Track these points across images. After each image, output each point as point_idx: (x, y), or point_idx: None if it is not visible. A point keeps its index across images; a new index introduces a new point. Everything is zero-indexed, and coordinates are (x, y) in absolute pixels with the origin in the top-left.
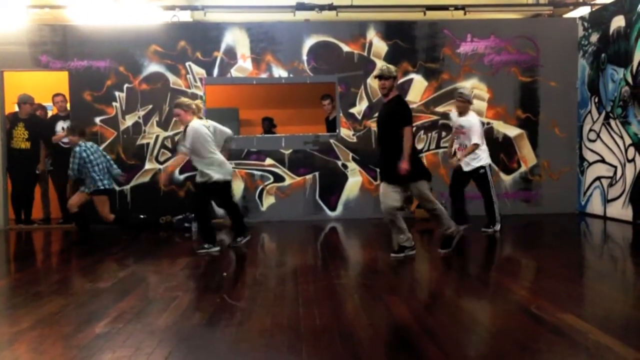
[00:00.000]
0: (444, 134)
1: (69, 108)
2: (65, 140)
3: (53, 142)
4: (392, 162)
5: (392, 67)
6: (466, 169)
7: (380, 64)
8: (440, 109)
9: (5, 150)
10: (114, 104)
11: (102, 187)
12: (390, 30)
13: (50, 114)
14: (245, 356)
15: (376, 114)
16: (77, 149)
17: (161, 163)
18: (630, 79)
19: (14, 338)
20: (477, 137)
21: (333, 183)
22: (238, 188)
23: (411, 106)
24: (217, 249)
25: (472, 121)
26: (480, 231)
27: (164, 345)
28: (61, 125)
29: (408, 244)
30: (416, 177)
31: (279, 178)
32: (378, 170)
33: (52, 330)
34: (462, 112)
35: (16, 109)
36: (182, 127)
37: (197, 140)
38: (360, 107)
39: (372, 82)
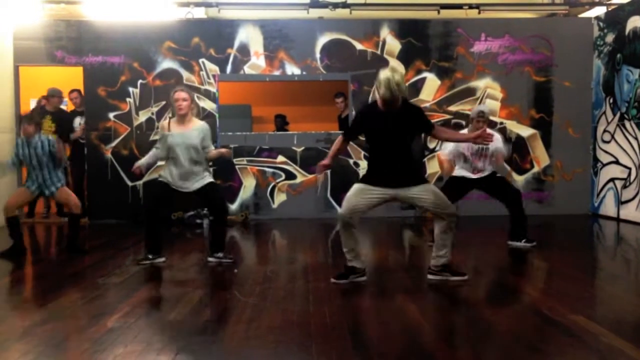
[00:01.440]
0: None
1: (83, 103)
2: (83, 136)
3: (71, 139)
4: (408, 166)
5: (397, 79)
6: (483, 174)
7: (384, 78)
8: (453, 108)
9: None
10: (127, 99)
11: None
12: (403, 29)
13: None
14: (255, 353)
15: None
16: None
17: None
18: None
19: (26, 331)
20: (503, 152)
21: (344, 181)
22: (250, 185)
23: (424, 105)
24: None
25: (498, 139)
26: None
27: (174, 340)
28: (78, 122)
29: (358, 264)
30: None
31: (290, 175)
32: (373, 175)
33: (64, 324)
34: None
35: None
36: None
37: None
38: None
39: None
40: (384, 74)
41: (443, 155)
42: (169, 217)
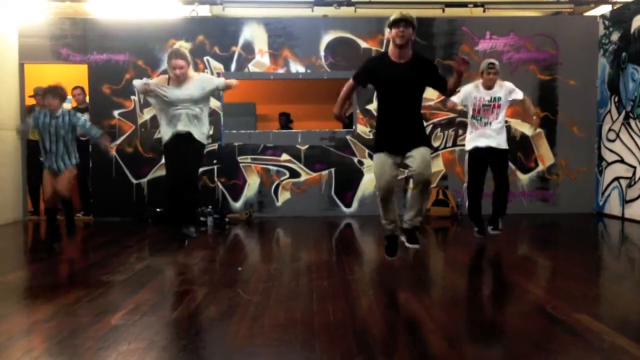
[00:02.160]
0: (460, 131)
1: (87, 101)
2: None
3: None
4: (418, 125)
5: (412, 14)
6: (503, 146)
7: (398, 12)
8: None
9: (25, 142)
10: (132, 97)
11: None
12: None
13: (68, 106)
14: (259, 351)
15: None
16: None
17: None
18: None
19: (30, 328)
20: (519, 98)
21: (349, 179)
22: (254, 183)
23: (428, 103)
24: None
25: (509, 86)
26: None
27: (178, 338)
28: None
29: (398, 232)
30: (431, 144)
31: (294, 173)
32: (384, 140)
33: (68, 321)
34: (491, 86)
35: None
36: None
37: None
38: (377, 104)
39: None
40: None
41: (451, 98)
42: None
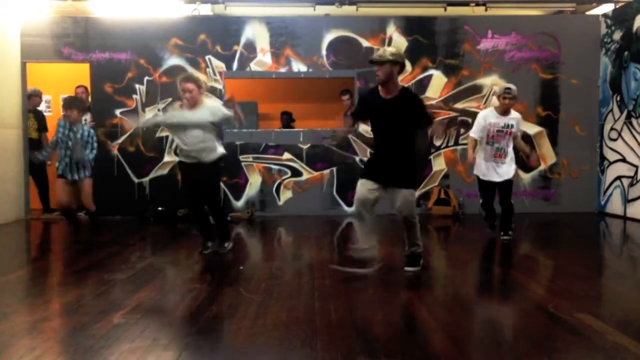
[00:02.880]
0: (462, 130)
1: (90, 100)
2: None
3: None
4: (406, 164)
5: (390, 50)
6: (506, 177)
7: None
8: (459, 105)
9: (27, 141)
10: (134, 96)
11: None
12: (410, 26)
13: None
14: (261, 349)
15: None
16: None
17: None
18: None
19: (32, 327)
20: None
21: (350, 178)
22: (256, 182)
23: (430, 102)
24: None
25: (519, 118)
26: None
27: (180, 336)
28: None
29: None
30: (416, 184)
31: (296, 172)
32: (371, 166)
33: (70, 320)
34: (506, 111)
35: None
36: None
37: None
38: None
39: None
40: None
41: (472, 134)
42: (175, 214)
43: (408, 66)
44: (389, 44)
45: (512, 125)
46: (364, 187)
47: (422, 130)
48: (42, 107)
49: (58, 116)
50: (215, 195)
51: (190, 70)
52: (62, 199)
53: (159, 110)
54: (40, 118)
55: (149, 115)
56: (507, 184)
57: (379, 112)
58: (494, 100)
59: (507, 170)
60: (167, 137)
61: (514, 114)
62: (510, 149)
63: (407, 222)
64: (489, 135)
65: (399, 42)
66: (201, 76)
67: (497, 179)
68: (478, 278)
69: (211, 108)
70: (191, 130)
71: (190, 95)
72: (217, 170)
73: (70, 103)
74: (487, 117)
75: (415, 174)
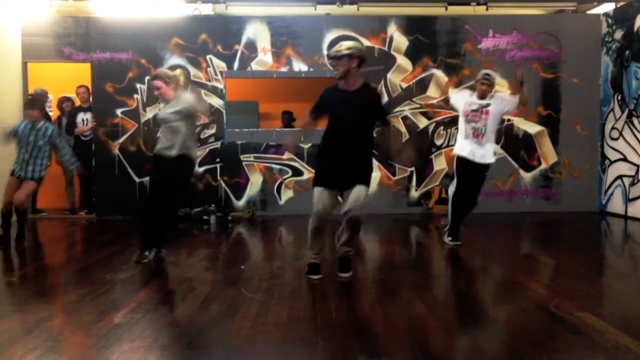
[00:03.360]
0: None
1: (91, 99)
2: (87, 133)
3: (74, 135)
4: (363, 161)
5: (347, 44)
6: (487, 160)
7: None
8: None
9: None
10: (135, 96)
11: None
12: (411, 25)
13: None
14: (261, 349)
15: (396, 110)
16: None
17: None
18: None
19: (34, 326)
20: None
21: None
22: (257, 181)
23: (431, 102)
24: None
25: (502, 97)
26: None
27: (181, 336)
28: (81, 117)
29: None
30: (370, 182)
31: (297, 172)
32: (325, 170)
33: (71, 319)
34: (484, 96)
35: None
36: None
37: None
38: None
39: (392, 77)
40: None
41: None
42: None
43: (409, 65)
44: (390, 44)
45: (488, 104)
46: (323, 198)
47: (383, 126)
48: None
49: (58, 115)
50: (174, 197)
51: (192, 69)
52: (8, 195)
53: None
54: (45, 119)
55: (150, 114)
56: (484, 171)
57: (338, 105)
58: None
59: (485, 153)
60: None
61: (495, 96)
62: (489, 134)
63: (356, 223)
64: (465, 113)
65: (400, 42)
66: (177, 71)
67: (478, 160)
68: (479, 277)
69: (178, 100)
70: (166, 125)
71: (159, 92)
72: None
73: (35, 103)
74: (464, 94)
75: (372, 171)
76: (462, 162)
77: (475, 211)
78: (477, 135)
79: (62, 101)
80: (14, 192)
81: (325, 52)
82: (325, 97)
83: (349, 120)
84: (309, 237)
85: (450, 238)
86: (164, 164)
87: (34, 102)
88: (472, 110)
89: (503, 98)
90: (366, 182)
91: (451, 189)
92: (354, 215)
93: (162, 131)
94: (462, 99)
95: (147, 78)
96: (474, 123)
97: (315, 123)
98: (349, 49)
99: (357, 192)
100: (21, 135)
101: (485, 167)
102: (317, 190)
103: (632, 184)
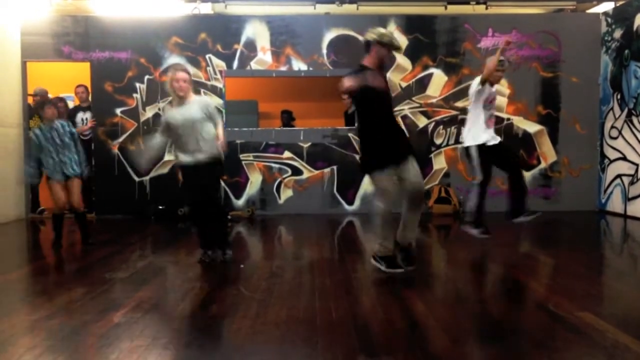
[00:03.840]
0: (463, 129)
1: (90, 99)
2: (86, 132)
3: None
4: (403, 134)
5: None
6: (498, 140)
7: (382, 30)
8: (459, 104)
9: (28, 140)
10: (134, 95)
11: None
12: (410, 24)
13: (71, 104)
14: (261, 348)
15: (395, 109)
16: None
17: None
18: None
19: (33, 325)
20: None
21: (351, 177)
22: (256, 180)
23: (431, 101)
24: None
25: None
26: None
27: (180, 335)
28: (81, 117)
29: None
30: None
31: (297, 171)
32: (383, 156)
33: (71, 319)
34: (494, 83)
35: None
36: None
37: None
38: (363, 121)
39: (392, 77)
40: (374, 31)
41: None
42: (175, 213)
43: (408, 65)
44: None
45: (495, 92)
46: (390, 181)
47: None
48: None
49: None
50: (218, 197)
51: (191, 69)
52: (61, 200)
53: (159, 109)
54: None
55: (150, 114)
56: (502, 146)
57: (377, 88)
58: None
59: (494, 135)
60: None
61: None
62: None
63: (418, 198)
64: (488, 99)
65: (400, 41)
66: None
67: (492, 142)
68: (478, 277)
69: (199, 101)
70: (188, 129)
71: (185, 84)
72: (218, 171)
73: (50, 102)
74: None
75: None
76: (483, 148)
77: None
78: (492, 121)
79: (55, 102)
80: (63, 193)
81: (324, 51)
82: (367, 77)
83: (389, 102)
84: (381, 226)
85: (480, 229)
86: (197, 169)
87: (45, 102)
88: (489, 98)
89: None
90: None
91: (478, 178)
92: (419, 190)
93: (185, 137)
94: (486, 87)
95: (173, 68)
96: (492, 110)
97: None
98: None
99: (414, 166)
100: (44, 141)
101: (500, 144)
102: (382, 175)
103: (632, 183)
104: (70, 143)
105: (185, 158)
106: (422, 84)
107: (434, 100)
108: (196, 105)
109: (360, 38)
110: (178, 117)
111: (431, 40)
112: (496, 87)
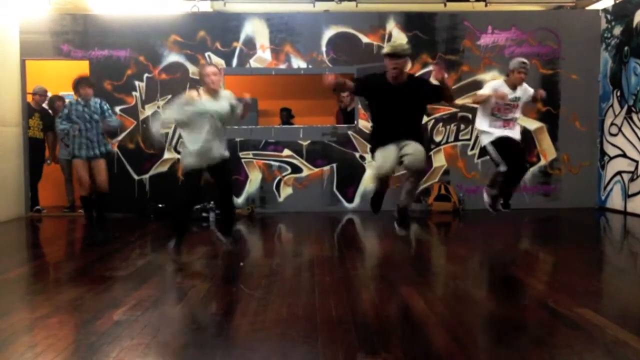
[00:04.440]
0: (462, 126)
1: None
2: None
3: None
4: (415, 129)
5: (405, 42)
6: (518, 137)
7: (392, 40)
8: (459, 101)
9: (27, 139)
10: (133, 93)
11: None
12: (410, 22)
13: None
14: (261, 346)
15: None
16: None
17: (179, 153)
18: None
19: (33, 324)
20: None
21: (350, 175)
22: (256, 178)
23: None
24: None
25: (527, 88)
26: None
27: (180, 333)
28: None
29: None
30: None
31: (296, 169)
32: (384, 135)
33: (71, 317)
34: (516, 85)
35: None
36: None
37: None
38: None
39: None
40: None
41: (484, 90)
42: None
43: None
44: (389, 40)
45: (519, 98)
46: (388, 152)
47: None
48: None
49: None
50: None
51: (190, 67)
52: (85, 179)
53: (158, 107)
54: (46, 117)
55: (149, 112)
56: (520, 144)
57: (387, 98)
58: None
59: (515, 133)
60: (166, 134)
61: (524, 86)
62: (517, 124)
63: (415, 177)
64: (496, 108)
65: (399, 38)
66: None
67: (512, 135)
68: (478, 274)
69: (227, 96)
70: (211, 120)
71: (217, 78)
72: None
73: (88, 81)
74: (498, 87)
75: (424, 139)
76: (500, 139)
77: (475, 208)
78: (508, 123)
79: (54, 100)
80: (86, 173)
81: (324, 48)
82: (372, 84)
83: (403, 113)
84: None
85: (504, 208)
86: (215, 166)
87: (87, 80)
88: (505, 105)
89: (526, 89)
90: (422, 142)
91: (502, 168)
92: (415, 170)
93: (206, 131)
94: (493, 89)
95: (207, 61)
96: (504, 116)
97: (350, 95)
98: (409, 48)
99: (415, 147)
100: (77, 116)
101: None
102: (382, 149)
103: (632, 179)
104: (100, 122)
105: (192, 159)
106: None
107: None
108: (225, 101)
109: (360, 36)
110: (207, 106)
111: (430, 37)
112: (516, 94)
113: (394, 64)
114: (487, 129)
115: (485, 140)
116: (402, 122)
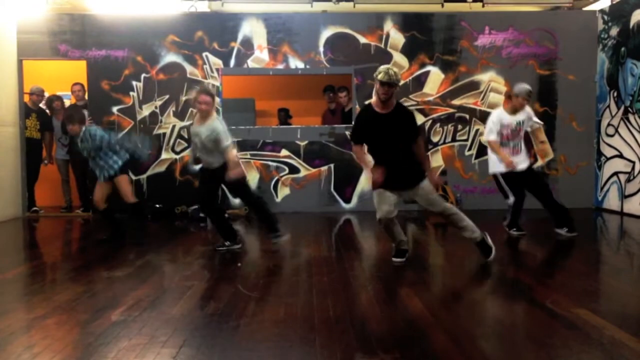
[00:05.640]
0: (459, 126)
1: (87, 97)
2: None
3: (70, 133)
4: (408, 167)
5: (395, 71)
6: (524, 165)
7: (383, 67)
8: (456, 101)
9: (24, 139)
10: (131, 93)
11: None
12: (407, 22)
13: (68, 103)
14: (259, 346)
15: None
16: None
17: (177, 153)
18: None
19: (31, 324)
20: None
21: (348, 175)
22: (253, 179)
23: (427, 99)
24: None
25: (529, 112)
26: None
27: (178, 333)
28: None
29: (406, 247)
30: (423, 176)
31: (294, 169)
32: (378, 179)
33: (69, 317)
34: (517, 111)
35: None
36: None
37: None
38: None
39: None
40: (383, 66)
41: (492, 136)
42: (172, 211)
43: (405, 62)
44: (386, 41)
45: (522, 122)
46: (383, 200)
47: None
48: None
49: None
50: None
51: (188, 67)
52: (99, 198)
53: (156, 107)
54: (43, 117)
55: (146, 112)
56: (531, 173)
57: (377, 127)
58: (492, 97)
59: (520, 160)
60: (164, 134)
61: (526, 110)
62: (522, 143)
63: (445, 215)
64: (504, 137)
65: (396, 39)
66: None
67: (519, 168)
68: (476, 274)
69: (210, 127)
70: (200, 143)
71: (205, 107)
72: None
73: (71, 118)
74: (501, 118)
75: (419, 168)
76: (506, 175)
77: (472, 208)
78: (517, 150)
79: (52, 100)
80: (99, 193)
81: (321, 48)
82: (363, 123)
83: (393, 140)
84: (384, 231)
85: (514, 230)
86: (211, 173)
87: (71, 117)
88: (512, 131)
89: (530, 115)
90: (422, 177)
91: (510, 200)
92: (438, 212)
93: (200, 149)
94: (499, 123)
95: (198, 90)
96: (512, 142)
97: (363, 148)
98: (401, 77)
99: (423, 192)
100: (81, 149)
101: (528, 171)
102: (377, 193)
103: (628, 180)
104: (100, 147)
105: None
106: (419, 82)
107: (430, 98)
108: (209, 130)
109: (357, 36)
110: (196, 132)
111: (428, 38)
112: (518, 117)
113: (384, 91)
114: (493, 155)
115: (493, 168)
116: (395, 150)
